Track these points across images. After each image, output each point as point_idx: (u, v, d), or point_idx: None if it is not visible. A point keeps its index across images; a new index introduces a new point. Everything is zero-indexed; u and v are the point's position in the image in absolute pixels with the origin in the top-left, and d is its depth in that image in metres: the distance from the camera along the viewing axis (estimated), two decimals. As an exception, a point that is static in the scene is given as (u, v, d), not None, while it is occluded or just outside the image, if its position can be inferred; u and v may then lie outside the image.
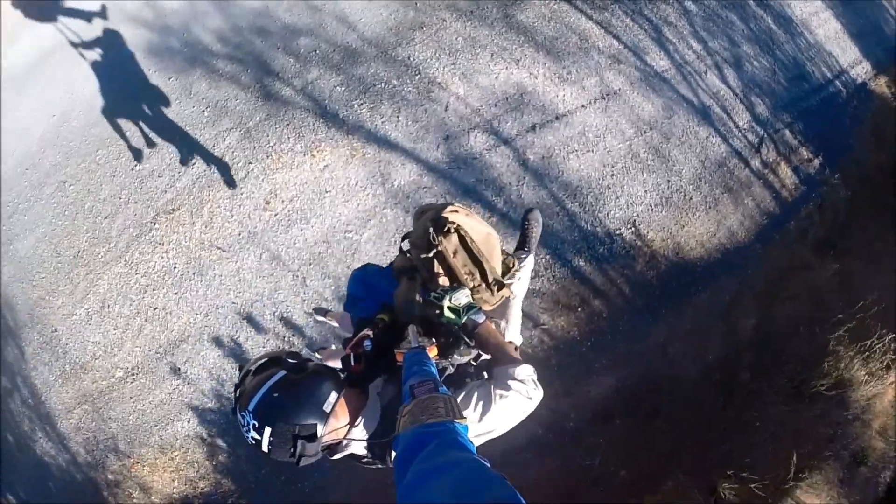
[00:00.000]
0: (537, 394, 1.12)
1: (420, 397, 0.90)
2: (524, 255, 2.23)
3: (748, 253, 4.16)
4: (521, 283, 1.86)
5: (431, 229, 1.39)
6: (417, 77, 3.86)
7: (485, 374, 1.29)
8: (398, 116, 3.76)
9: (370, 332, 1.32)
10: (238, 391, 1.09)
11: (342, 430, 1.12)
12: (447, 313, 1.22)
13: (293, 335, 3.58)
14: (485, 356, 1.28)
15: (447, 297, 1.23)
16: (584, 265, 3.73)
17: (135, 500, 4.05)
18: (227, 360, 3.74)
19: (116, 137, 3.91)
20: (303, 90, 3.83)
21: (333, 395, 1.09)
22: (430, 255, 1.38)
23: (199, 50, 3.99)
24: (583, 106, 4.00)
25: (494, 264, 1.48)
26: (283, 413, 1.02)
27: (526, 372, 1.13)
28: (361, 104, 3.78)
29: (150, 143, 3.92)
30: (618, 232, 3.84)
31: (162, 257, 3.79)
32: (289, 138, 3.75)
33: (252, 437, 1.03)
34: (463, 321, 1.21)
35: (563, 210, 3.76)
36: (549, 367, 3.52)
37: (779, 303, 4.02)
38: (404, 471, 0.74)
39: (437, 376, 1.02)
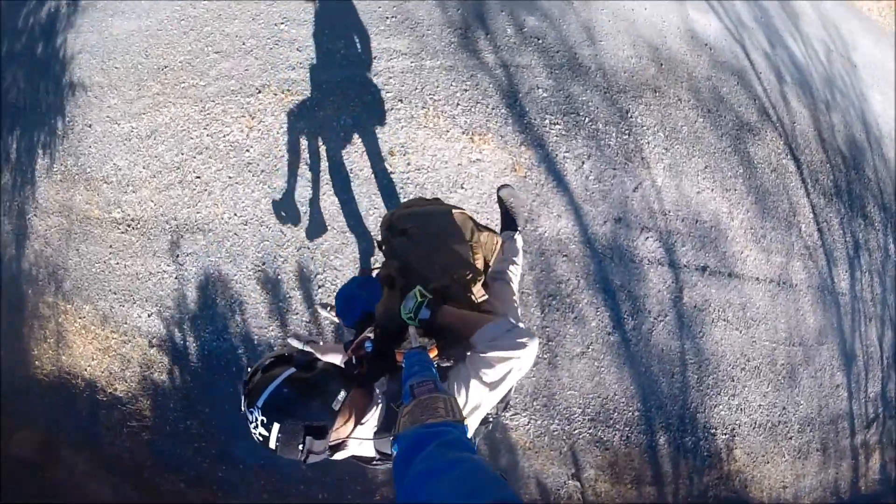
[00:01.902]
0: (518, 344, 0.98)
1: (420, 397, 0.81)
2: (513, 234, 2.13)
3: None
4: (513, 265, 1.71)
5: (379, 237, 1.32)
6: (626, 136, 2.90)
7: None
8: (584, 162, 2.80)
9: (370, 335, 1.19)
10: (247, 388, 0.98)
11: (349, 428, 1.03)
12: (408, 322, 1.11)
13: (307, 308, 2.58)
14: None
15: (402, 309, 1.12)
16: (662, 444, 2.77)
17: (46, 346, 3.01)
18: (230, 288, 2.73)
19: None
20: (504, 67, 2.87)
21: (342, 394, 1.00)
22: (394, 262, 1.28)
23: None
24: (758, 279, 3.05)
25: (460, 249, 1.29)
26: (292, 410, 0.94)
27: (497, 329, 1.01)
28: (555, 123, 2.81)
29: (310, 13, 2.93)
30: (713, 431, 2.87)
31: (242, 131, 2.80)
32: (458, 105, 2.78)
33: (260, 434, 0.94)
34: (416, 324, 1.10)
35: (681, 376, 2.81)
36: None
37: None
38: (404, 471, 0.67)
39: (437, 376, 0.91)
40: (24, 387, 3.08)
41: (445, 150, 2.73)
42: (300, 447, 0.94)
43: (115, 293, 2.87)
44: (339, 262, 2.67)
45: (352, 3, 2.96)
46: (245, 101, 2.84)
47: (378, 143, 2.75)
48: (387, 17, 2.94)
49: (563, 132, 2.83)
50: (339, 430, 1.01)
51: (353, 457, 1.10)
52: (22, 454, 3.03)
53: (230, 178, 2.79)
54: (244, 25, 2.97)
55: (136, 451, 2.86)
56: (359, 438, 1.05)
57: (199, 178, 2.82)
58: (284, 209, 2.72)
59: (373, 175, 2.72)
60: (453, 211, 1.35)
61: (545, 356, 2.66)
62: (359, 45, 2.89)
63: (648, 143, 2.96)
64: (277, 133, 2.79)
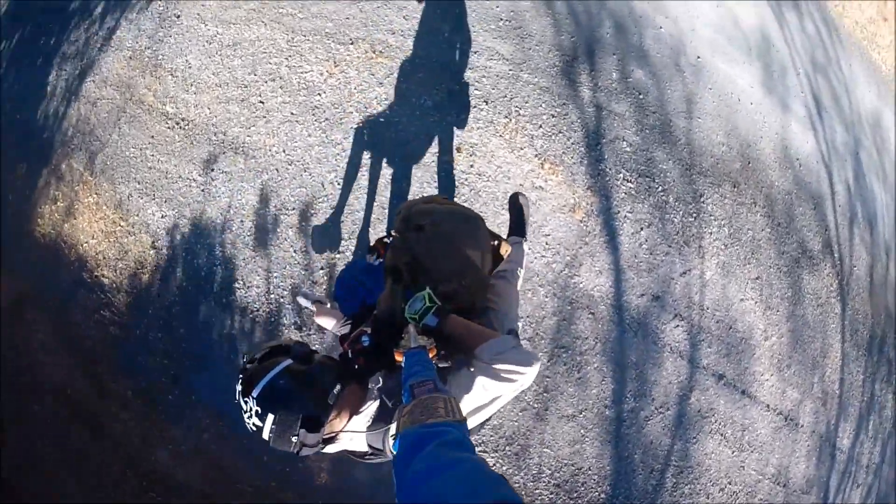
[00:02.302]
0: (523, 360, 0.93)
1: (420, 397, 0.79)
2: (520, 240, 2.14)
3: None
4: (519, 269, 1.64)
5: (395, 229, 1.26)
6: (691, 219, 2.75)
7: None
8: (643, 229, 2.65)
9: (367, 329, 1.11)
10: (243, 377, 0.95)
11: (343, 422, 1.00)
12: (410, 322, 1.06)
13: (321, 267, 2.43)
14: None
15: (406, 308, 1.08)
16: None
17: (54, 207, 2.88)
18: (250, 220, 2.60)
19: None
20: (597, 107, 2.73)
21: (338, 388, 0.98)
22: (403, 256, 1.20)
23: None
24: (767, 407, 2.87)
25: (473, 255, 1.23)
26: (287, 401, 0.92)
27: (502, 345, 0.96)
28: (628, 181, 2.67)
29: None
30: (671, 542, 2.65)
31: (321, 75, 2.67)
32: (540, 126, 2.64)
33: (253, 424, 0.91)
34: (419, 326, 1.06)
35: (660, 474, 2.64)
36: None
37: None
38: (404, 471, 0.65)
39: (437, 376, 0.88)
40: (18, 235, 2.95)
41: (513, 166, 2.58)
42: (293, 439, 0.91)
43: (139, 183, 2.73)
44: (366, 238, 2.52)
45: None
46: (335, 47, 2.72)
47: (450, 135, 2.61)
48: (500, 19, 2.82)
49: (633, 192, 2.68)
50: (333, 424, 0.98)
51: (346, 451, 1.07)
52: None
53: (292, 114, 2.66)
54: (361, -27, 2.86)
55: (99, 342, 2.71)
56: (352, 432, 1.02)
57: (262, 103, 2.69)
58: (333, 164, 2.59)
59: (433, 163, 2.57)
60: (469, 216, 1.30)
61: (536, 405, 2.48)
62: (464, 35, 2.77)
63: (711, 233, 2.79)
64: (354, 89, 2.67)
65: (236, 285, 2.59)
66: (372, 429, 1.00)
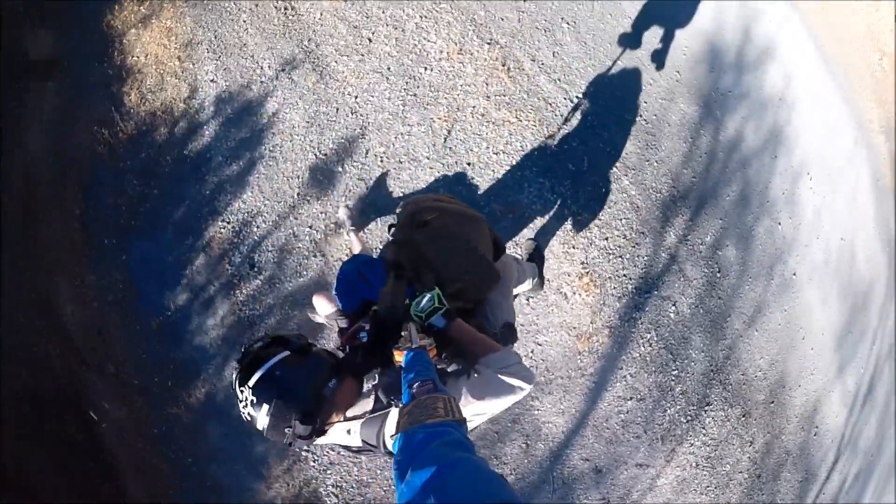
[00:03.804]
0: (527, 377, 0.96)
1: (420, 397, 0.76)
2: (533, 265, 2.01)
3: None
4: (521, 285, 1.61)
5: (397, 224, 1.22)
6: (682, 420, 2.37)
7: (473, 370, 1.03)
8: (631, 400, 2.31)
9: (366, 325, 1.08)
10: (240, 366, 0.92)
11: (337, 415, 0.98)
12: (415, 320, 1.03)
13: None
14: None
15: (412, 304, 1.05)
16: None
17: (135, 10, 2.56)
18: (295, 135, 2.25)
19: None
20: (671, 257, 2.38)
21: (333, 381, 0.94)
22: (405, 251, 1.16)
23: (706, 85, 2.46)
24: None
25: (478, 256, 1.18)
26: (283, 391, 0.88)
27: (508, 359, 0.97)
28: (650, 343, 2.33)
29: (633, 39, 2.42)
30: None
31: (440, 52, 2.35)
32: (606, 239, 2.28)
33: (248, 414, 0.89)
34: (424, 325, 1.03)
35: None
36: None
37: None
38: (404, 471, 0.63)
39: (437, 376, 0.85)
40: (94, 11, 2.63)
41: (553, 258, 2.17)
42: (287, 430, 0.89)
43: (215, 39, 2.41)
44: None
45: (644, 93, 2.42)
46: (471, 36, 2.34)
47: (514, 187, 2.21)
48: (642, 116, 2.40)
49: (648, 359, 2.26)
50: (327, 417, 0.95)
51: (338, 445, 1.05)
52: (33, 52, 2.59)
53: (388, 69, 2.30)
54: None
55: (85, 150, 2.41)
56: (345, 426, 1.00)
57: (370, 41, 2.34)
58: (390, 140, 2.21)
59: (487, 207, 2.18)
60: (474, 216, 1.25)
61: None
62: (596, 104, 2.35)
63: (691, 445, 2.35)
64: (460, 85, 2.29)
65: (229, 187, 2.26)
66: (366, 424, 0.97)
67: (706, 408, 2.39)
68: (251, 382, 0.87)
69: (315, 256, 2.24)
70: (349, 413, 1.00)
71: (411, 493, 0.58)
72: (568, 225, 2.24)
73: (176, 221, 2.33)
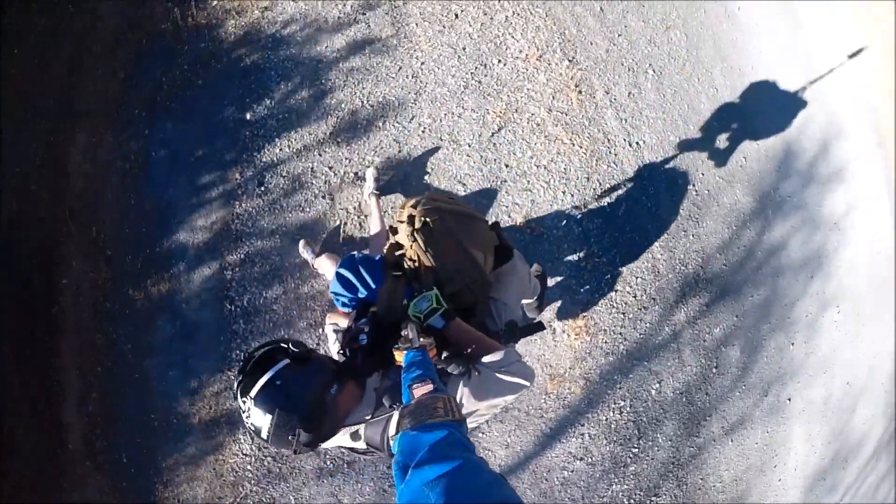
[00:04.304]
0: (527, 374, 0.96)
1: (420, 398, 0.75)
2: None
3: None
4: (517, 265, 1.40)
5: (396, 225, 1.17)
6: (625, 501, 2.10)
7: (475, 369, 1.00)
8: (581, 461, 2.14)
9: (364, 328, 1.06)
10: (241, 377, 0.91)
11: (341, 420, 0.96)
12: (414, 320, 1.01)
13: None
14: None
15: (411, 305, 1.04)
16: None
17: None
18: (335, 94, 2.17)
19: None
20: (674, 332, 2.23)
21: (335, 387, 0.93)
22: (403, 252, 1.15)
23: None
24: None
25: (476, 254, 1.15)
26: (285, 401, 0.87)
27: (509, 358, 0.96)
28: (621, 412, 2.17)
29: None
30: None
31: (518, 52, 2.30)
32: (616, 292, 2.12)
33: (252, 424, 0.87)
34: (423, 325, 1.01)
35: None
36: None
37: None
38: (404, 471, 0.63)
39: (437, 376, 0.85)
40: None
41: (556, 290, 2.03)
42: (291, 439, 0.87)
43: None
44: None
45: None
46: (555, 48, 2.26)
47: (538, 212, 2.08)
48: (695, 188, 2.26)
49: (613, 427, 2.10)
50: (331, 423, 0.93)
51: (343, 447, 1.02)
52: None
53: (463, 49, 2.22)
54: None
55: (146, 32, 2.36)
56: (349, 430, 0.98)
57: (456, 16, 2.28)
58: (440, 120, 2.12)
59: (514, 228, 2.06)
60: (474, 216, 1.22)
61: None
62: (654, 157, 2.23)
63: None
64: (526, 89, 2.21)
65: (269, 102, 2.19)
66: (369, 427, 0.95)
67: (653, 498, 2.20)
68: (253, 393, 0.86)
69: (324, 198, 2.14)
70: (352, 418, 0.98)
71: (412, 494, 0.58)
72: (583, 262, 2.10)
73: (208, 117, 2.26)
